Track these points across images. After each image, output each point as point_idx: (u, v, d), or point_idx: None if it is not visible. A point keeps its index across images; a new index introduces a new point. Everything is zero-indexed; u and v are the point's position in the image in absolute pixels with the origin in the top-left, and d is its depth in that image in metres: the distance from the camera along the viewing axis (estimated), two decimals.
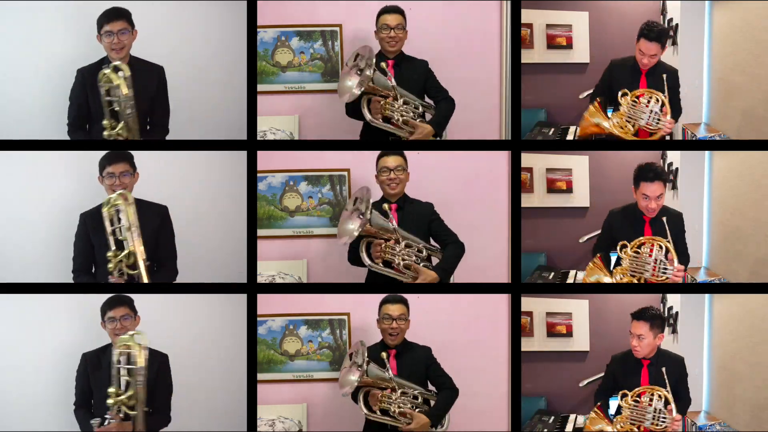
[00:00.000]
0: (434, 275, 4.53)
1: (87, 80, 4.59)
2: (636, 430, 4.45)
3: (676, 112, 4.67)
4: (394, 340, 4.58)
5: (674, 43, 4.92)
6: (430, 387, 4.63)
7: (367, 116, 4.60)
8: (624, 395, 4.49)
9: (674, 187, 4.90)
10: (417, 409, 4.50)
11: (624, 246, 4.54)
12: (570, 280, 4.89)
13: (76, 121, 4.64)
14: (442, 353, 4.81)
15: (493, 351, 4.93)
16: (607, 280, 4.57)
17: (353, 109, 4.69)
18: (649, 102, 4.64)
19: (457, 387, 4.60)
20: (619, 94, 4.65)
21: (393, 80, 4.58)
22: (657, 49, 4.62)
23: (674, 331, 4.86)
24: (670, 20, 4.93)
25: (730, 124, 4.84)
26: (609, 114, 4.70)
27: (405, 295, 4.65)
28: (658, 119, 4.63)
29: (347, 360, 4.50)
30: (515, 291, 4.76)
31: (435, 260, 4.67)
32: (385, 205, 4.57)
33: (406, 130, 4.66)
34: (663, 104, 4.63)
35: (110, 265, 4.42)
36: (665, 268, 4.53)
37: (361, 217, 4.45)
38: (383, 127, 4.64)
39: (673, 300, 4.87)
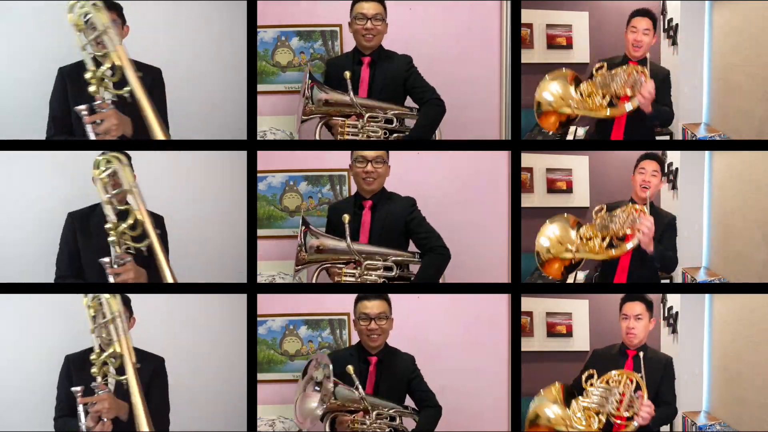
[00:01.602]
0: None
1: (67, 80, 4.43)
2: (595, 417, 4.16)
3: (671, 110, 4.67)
4: (375, 342, 4.31)
5: (674, 43, 4.93)
6: (408, 401, 4.43)
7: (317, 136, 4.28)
8: (590, 376, 4.24)
9: (674, 187, 4.90)
10: None
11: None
12: (570, 280, 4.89)
13: (58, 129, 4.43)
14: (442, 353, 4.81)
15: (493, 351, 4.93)
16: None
17: None
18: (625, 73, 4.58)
19: (440, 404, 4.39)
20: (595, 66, 4.60)
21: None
22: (648, 24, 4.58)
23: (674, 331, 4.86)
24: (670, 20, 4.93)
25: (730, 124, 4.84)
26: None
27: (404, 295, 4.68)
28: (634, 83, 4.55)
29: (301, 380, 4.04)
30: (515, 291, 4.76)
31: (413, 268, 4.48)
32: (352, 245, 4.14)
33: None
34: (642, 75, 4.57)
35: (112, 239, 4.01)
36: (635, 219, 4.37)
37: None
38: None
39: (673, 300, 4.87)
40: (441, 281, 4.75)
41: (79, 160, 4.53)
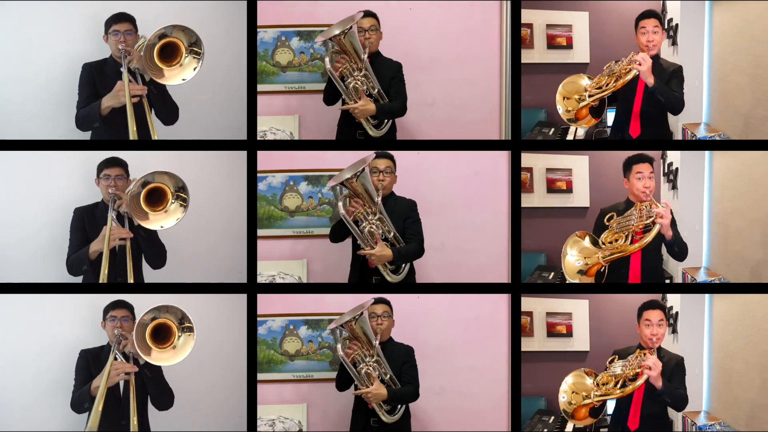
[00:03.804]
0: (390, 253, 4.59)
1: (94, 74, 4.66)
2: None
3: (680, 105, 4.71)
4: (378, 335, 4.61)
5: (674, 43, 4.93)
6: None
7: (327, 65, 4.66)
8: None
9: (674, 187, 4.90)
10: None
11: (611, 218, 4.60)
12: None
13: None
14: (442, 354, 4.82)
15: (493, 351, 4.93)
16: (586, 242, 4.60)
17: (328, 94, 4.79)
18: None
19: (419, 394, 4.63)
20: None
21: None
22: (656, 23, 4.64)
23: (674, 331, 4.86)
24: (670, 20, 4.93)
25: (730, 124, 4.84)
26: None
27: (404, 295, 4.72)
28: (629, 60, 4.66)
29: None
30: (515, 291, 4.77)
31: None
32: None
33: (353, 98, 4.70)
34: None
35: None
36: (649, 211, 4.53)
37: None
38: (335, 82, 4.69)
39: (673, 300, 4.87)
40: (439, 281, 4.79)
41: (91, 161, 4.62)
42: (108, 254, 4.45)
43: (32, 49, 4.85)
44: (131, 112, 4.54)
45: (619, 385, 4.50)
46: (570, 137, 4.96)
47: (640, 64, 4.62)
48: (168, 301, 4.67)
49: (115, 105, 4.57)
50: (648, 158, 4.59)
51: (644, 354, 4.48)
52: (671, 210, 4.57)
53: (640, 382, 4.46)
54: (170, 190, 4.43)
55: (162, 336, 4.34)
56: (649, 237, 4.51)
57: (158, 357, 4.34)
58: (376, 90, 4.72)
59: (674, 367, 4.52)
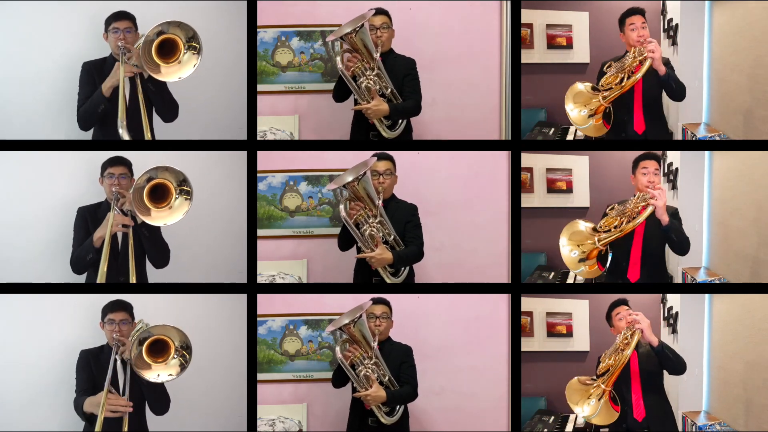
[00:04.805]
0: (390, 256, 4.60)
1: (94, 72, 4.66)
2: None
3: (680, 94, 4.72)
4: (377, 337, 4.62)
5: (674, 43, 4.92)
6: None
7: (339, 65, 4.65)
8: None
9: (674, 187, 4.90)
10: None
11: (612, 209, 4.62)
12: (570, 280, 4.89)
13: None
14: (442, 354, 4.82)
15: (493, 351, 4.93)
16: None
17: (339, 92, 4.78)
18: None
19: (418, 393, 4.64)
20: (604, 66, 4.70)
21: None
22: (641, 20, 4.65)
23: (674, 331, 4.86)
24: (670, 20, 4.93)
25: (730, 124, 4.84)
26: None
27: (404, 295, 4.72)
28: (640, 50, 4.64)
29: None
30: (515, 291, 4.77)
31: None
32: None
33: (365, 98, 4.69)
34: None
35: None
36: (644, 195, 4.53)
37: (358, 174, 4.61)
38: (347, 82, 4.68)
39: (673, 300, 4.87)
40: (439, 282, 4.78)
41: (91, 161, 4.64)
42: (109, 243, 4.43)
43: (32, 49, 4.85)
44: (123, 104, 4.53)
45: (616, 351, 4.52)
46: (570, 137, 4.96)
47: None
48: (168, 301, 4.69)
49: (115, 83, 4.56)
50: (655, 156, 4.59)
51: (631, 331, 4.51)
52: (676, 209, 4.60)
53: (635, 340, 4.47)
54: (173, 185, 4.42)
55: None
56: (641, 217, 4.51)
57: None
58: (389, 89, 4.71)
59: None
